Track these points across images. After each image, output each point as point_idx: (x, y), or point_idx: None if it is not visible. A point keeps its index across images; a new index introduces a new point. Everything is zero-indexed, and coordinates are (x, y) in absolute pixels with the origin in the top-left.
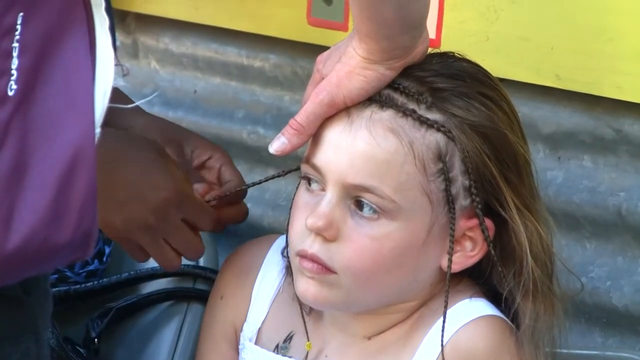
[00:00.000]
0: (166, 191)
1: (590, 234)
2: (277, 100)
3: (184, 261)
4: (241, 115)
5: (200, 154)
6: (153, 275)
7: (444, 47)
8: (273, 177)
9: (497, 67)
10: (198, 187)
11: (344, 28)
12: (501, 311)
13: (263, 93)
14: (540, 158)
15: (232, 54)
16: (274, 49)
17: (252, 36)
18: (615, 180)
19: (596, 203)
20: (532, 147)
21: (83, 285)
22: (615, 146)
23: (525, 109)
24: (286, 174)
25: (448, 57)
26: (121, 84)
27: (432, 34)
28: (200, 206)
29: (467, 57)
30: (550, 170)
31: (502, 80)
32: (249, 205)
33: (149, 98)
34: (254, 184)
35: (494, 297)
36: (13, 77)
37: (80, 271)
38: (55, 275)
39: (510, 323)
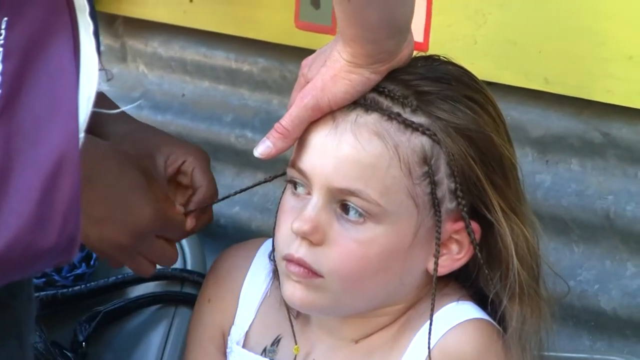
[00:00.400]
0: (144, 218)
1: (579, 237)
2: (266, 104)
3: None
4: (229, 119)
5: (175, 160)
6: (140, 279)
7: (432, 51)
8: (250, 187)
9: (485, 70)
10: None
11: (332, 32)
12: (488, 314)
13: (251, 97)
14: (528, 161)
15: (220, 58)
16: (263, 53)
17: (240, 40)
18: (603, 184)
19: (584, 206)
20: (521, 151)
21: (71, 289)
22: (603, 150)
23: (514, 112)
24: (272, 179)
25: (433, 61)
26: (105, 88)
27: (419, 38)
28: (176, 224)
29: (453, 60)
30: (538, 174)
31: (490, 84)
32: (237, 209)
33: (134, 104)
34: (227, 196)
35: (481, 300)
36: None
37: (68, 275)
38: (43, 279)
39: (497, 326)
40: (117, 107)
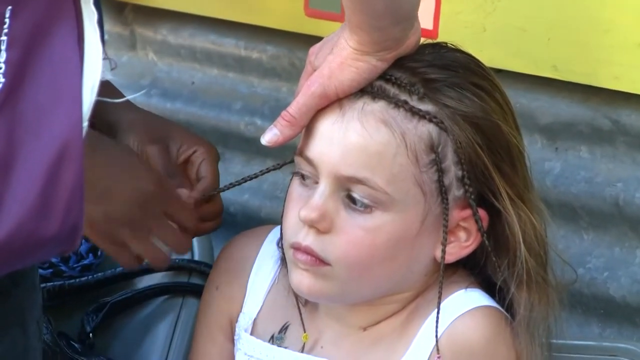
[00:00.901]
0: (147, 182)
1: (588, 224)
2: (275, 92)
3: (179, 255)
4: (239, 107)
5: (187, 149)
6: (148, 269)
7: (441, 38)
8: (257, 176)
9: (494, 58)
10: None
11: (341, 19)
12: (496, 302)
13: (261, 84)
14: (537, 149)
15: (229, 46)
16: (272, 40)
17: (250, 27)
18: (612, 171)
19: (593, 194)
20: (530, 138)
21: (78, 280)
22: (612, 137)
23: (523, 100)
24: (280, 167)
25: (441, 48)
26: (110, 77)
27: (429, 25)
28: (181, 201)
29: (460, 48)
30: (547, 161)
31: (499, 71)
32: (246, 196)
33: (143, 92)
34: (235, 184)
35: (489, 288)
36: (1, 71)
37: (75, 265)
38: (50, 270)
39: (505, 313)
40: (123, 96)
